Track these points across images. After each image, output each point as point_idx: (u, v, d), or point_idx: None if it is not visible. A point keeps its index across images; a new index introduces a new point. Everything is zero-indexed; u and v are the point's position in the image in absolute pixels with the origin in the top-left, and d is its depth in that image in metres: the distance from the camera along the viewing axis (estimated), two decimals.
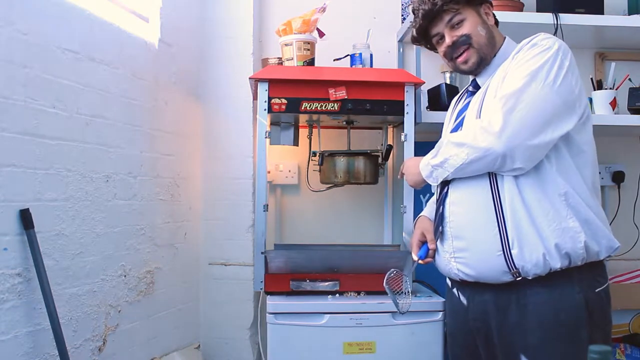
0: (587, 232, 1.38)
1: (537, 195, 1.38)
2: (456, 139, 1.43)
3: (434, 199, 1.70)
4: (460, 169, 1.42)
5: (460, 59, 1.54)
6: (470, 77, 1.64)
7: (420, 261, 1.57)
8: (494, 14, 1.59)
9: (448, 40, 1.54)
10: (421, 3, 1.56)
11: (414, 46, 2.33)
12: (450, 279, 1.60)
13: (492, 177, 1.42)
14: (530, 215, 1.38)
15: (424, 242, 1.60)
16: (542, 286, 1.39)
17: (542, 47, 1.41)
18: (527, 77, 1.37)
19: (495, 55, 1.54)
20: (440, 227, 1.53)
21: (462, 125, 1.54)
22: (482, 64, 1.54)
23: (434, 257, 1.57)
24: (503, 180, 1.41)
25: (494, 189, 1.42)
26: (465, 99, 1.61)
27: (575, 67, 1.42)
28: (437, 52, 1.63)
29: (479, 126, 1.39)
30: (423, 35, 1.61)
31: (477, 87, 1.57)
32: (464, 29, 1.52)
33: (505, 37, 1.58)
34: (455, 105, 1.70)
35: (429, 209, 1.69)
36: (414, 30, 1.62)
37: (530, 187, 1.39)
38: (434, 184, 1.52)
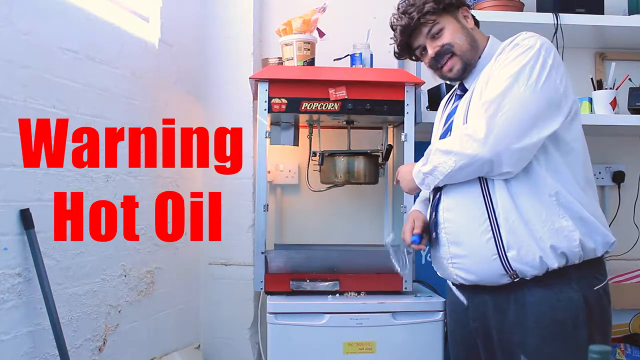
0: (581, 229, 1.37)
1: (528, 197, 1.38)
2: (443, 147, 1.43)
3: (422, 196, 1.73)
4: (450, 176, 1.42)
5: (445, 68, 1.54)
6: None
7: (413, 246, 1.56)
8: (473, 16, 1.58)
9: (430, 51, 1.53)
10: (398, 19, 1.55)
11: None
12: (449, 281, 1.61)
13: (483, 181, 1.42)
14: (523, 217, 1.38)
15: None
16: (540, 285, 1.39)
17: (524, 47, 1.40)
18: (509, 80, 1.36)
19: (480, 57, 1.53)
20: (434, 233, 1.53)
21: (451, 130, 1.53)
22: (468, 69, 1.53)
23: (425, 245, 1.57)
24: (494, 184, 1.40)
25: (485, 194, 1.42)
26: (454, 103, 1.60)
27: (560, 64, 1.41)
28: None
29: (465, 133, 1.39)
30: (406, 49, 1.60)
31: (464, 90, 1.57)
32: (445, 38, 1.51)
33: (488, 37, 1.57)
34: (444, 108, 1.69)
35: (420, 206, 1.72)
36: (395, 46, 1.61)
37: (521, 190, 1.39)
38: (427, 190, 1.52)
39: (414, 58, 1.64)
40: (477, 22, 1.59)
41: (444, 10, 1.51)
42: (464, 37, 1.52)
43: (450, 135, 1.53)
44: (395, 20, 1.57)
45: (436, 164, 1.44)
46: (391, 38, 1.63)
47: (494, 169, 1.36)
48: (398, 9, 1.56)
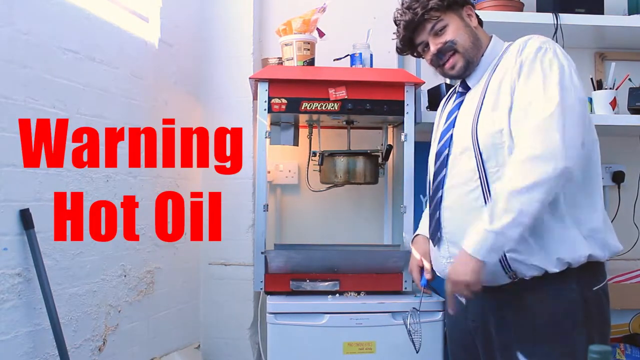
0: (589, 241, 1.37)
1: None
2: (514, 186, 1.28)
3: (427, 211, 1.69)
4: (541, 210, 1.29)
5: (447, 65, 1.53)
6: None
7: (423, 290, 1.59)
8: (477, 15, 1.58)
9: (433, 48, 1.53)
10: (402, 14, 1.54)
11: None
12: None
13: (484, 180, 1.42)
14: None
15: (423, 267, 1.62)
16: (539, 285, 1.39)
17: (549, 52, 1.40)
18: (557, 91, 1.34)
19: (483, 56, 1.53)
20: (438, 233, 1.52)
21: (454, 126, 1.53)
22: (470, 67, 1.53)
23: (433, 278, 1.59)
24: (496, 185, 1.40)
25: (486, 194, 1.41)
26: (455, 100, 1.60)
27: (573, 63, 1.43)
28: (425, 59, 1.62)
29: (531, 156, 1.30)
30: (408, 45, 1.60)
31: (466, 88, 1.57)
32: (448, 35, 1.51)
33: (491, 37, 1.57)
34: (444, 106, 1.69)
35: (425, 224, 1.67)
36: (398, 41, 1.61)
37: None
38: (498, 255, 1.33)
39: (415, 54, 1.63)
40: (480, 22, 1.59)
41: (449, 7, 1.51)
42: (467, 35, 1.51)
43: (453, 131, 1.51)
44: (398, 15, 1.56)
45: (518, 207, 1.27)
46: (394, 33, 1.62)
47: (572, 177, 1.32)
48: (402, 3, 1.55)
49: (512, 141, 1.37)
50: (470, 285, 1.31)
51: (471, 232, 1.32)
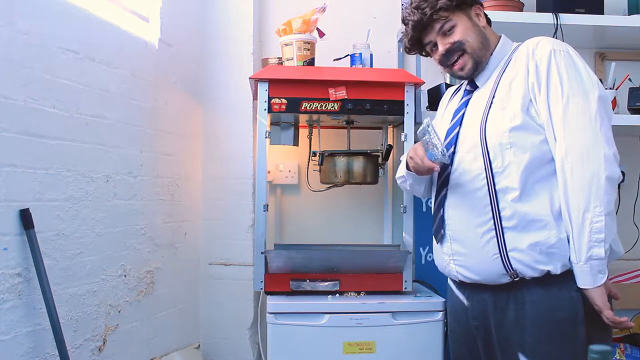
0: None
1: (535, 205, 1.38)
2: (599, 210, 1.33)
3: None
4: (614, 219, 1.38)
5: (456, 67, 1.53)
6: None
7: (428, 162, 1.44)
8: (485, 14, 1.58)
9: (441, 48, 1.53)
10: (410, 14, 1.54)
11: None
12: (450, 278, 1.61)
13: (490, 180, 1.42)
14: (528, 223, 1.38)
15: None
16: (539, 285, 1.39)
17: (566, 55, 1.41)
18: (585, 94, 1.38)
19: (491, 55, 1.53)
20: (442, 230, 1.52)
21: (460, 125, 1.53)
22: (479, 67, 1.53)
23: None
24: (501, 183, 1.40)
25: (491, 194, 1.41)
26: (462, 98, 1.59)
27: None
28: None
29: (593, 178, 1.34)
30: (416, 45, 1.60)
31: (474, 87, 1.56)
32: (456, 36, 1.51)
33: (500, 36, 1.57)
34: (448, 103, 1.68)
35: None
36: (406, 40, 1.61)
37: (529, 195, 1.39)
38: (606, 271, 1.37)
39: (424, 54, 1.63)
40: (489, 21, 1.59)
41: (457, 7, 1.51)
42: (475, 35, 1.51)
43: (460, 129, 1.51)
44: (407, 15, 1.56)
45: (600, 229, 1.34)
46: (402, 32, 1.62)
47: None
48: (411, 3, 1.55)
49: (522, 137, 1.39)
50: (604, 311, 1.35)
51: (583, 260, 1.34)
